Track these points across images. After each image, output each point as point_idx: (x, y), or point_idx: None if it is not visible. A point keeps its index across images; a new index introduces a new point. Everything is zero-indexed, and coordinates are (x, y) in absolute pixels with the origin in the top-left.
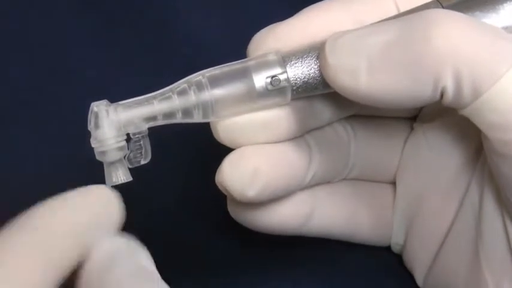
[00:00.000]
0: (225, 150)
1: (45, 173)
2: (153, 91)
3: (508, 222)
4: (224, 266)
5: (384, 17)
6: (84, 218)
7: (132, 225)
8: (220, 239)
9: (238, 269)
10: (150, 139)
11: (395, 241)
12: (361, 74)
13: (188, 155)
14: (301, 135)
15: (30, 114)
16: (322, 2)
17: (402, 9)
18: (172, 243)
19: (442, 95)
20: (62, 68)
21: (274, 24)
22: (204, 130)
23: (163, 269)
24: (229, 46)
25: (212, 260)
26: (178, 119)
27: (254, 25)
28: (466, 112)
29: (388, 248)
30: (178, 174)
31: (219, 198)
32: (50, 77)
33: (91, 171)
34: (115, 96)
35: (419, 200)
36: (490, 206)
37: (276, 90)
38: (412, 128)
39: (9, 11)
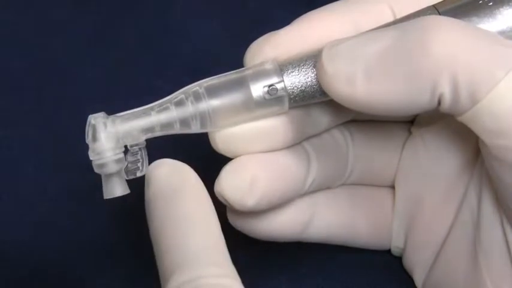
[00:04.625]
0: (224, 159)
1: (45, 173)
2: (153, 91)
3: (506, 225)
4: None
5: (381, 24)
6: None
7: (133, 226)
8: None
9: (238, 269)
10: (148, 149)
11: (395, 244)
12: (358, 82)
13: (187, 162)
14: (299, 142)
15: (30, 114)
16: (319, 9)
17: (398, 16)
18: None
19: (439, 102)
20: (61, 68)
21: (271, 33)
22: (202, 139)
23: None
24: (229, 46)
25: None
26: (176, 129)
27: (254, 25)
28: (463, 118)
29: (388, 251)
30: None
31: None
32: (50, 77)
33: (91, 171)
34: (115, 96)
35: (418, 204)
36: (489, 210)
37: (273, 99)
38: (409, 132)
39: (10, 11)
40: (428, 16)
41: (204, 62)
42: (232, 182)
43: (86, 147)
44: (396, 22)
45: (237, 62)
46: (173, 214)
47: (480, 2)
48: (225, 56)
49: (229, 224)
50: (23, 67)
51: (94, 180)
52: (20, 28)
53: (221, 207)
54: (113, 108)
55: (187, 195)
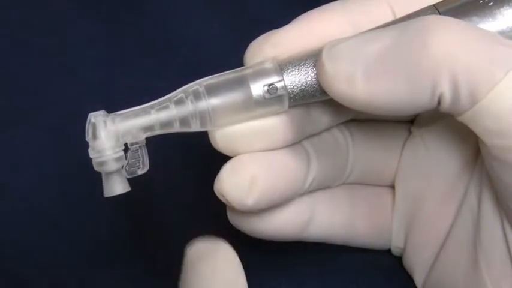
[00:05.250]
0: (224, 157)
1: (45, 173)
2: (153, 91)
3: (506, 226)
4: None
5: (381, 23)
6: None
7: (133, 226)
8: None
9: None
10: (149, 147)
11: (396, 244)
12: (358, 82)
13: (188, 161)
14: (299, 141)
15: (30, 115)
16: (319, 8)
17: (398, 16)
18: (172, 243)
19: (439, 102)
20: (61, 68)
21: (271, 32)
22: (202, 138)
23: (163, 267)
24: (229, 46)
25: None
26: (176, 128)
27: (254, 25)
28: (463, 118)
29: (388, 251)
30: (178, 178)
31: (219, 199)
32: (50, 77)
33: (91, 171)
34: (115, 96)
35: (418, 204)
36: (489, 210)
37: (273, 98)
38: (410, 132)
39: (10, 11)
40: (428, 16)
41: (204, 62)
42: (231, 181)
43: (86, 147)
44: (396, 22)
45: (237, 62)
46: None
47: (480, 1)
48: (225, 56)
49: (229, 223)
50: (23, 67)
51: (94, 180)
52: (20, 28)
53: (221, 207)
54: (113, 108)
55: None
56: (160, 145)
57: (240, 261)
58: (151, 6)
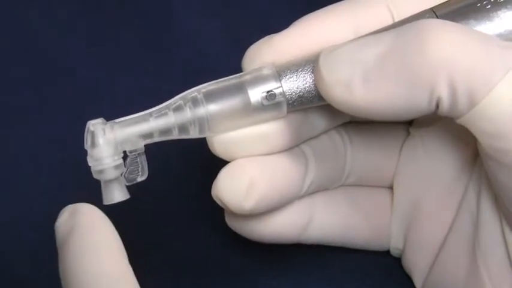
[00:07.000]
0: (223, 162)
1: (44, 173)
2: (153, 91)
3: (505, 228)
4: (224, 266)
5: (379, 28)
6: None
7: (133, 228)
8: (220, 239)
9: (238, 269)
10: (149, 152)
11: (395, 246)
12: (355, 88)
13: (186, 166)
14: (297, 145)
15: (30, 115)
16: (317, 12)
17: (397, 19)
18: (172, 243)
19: (437, 106)
20: (61, 68)
21: (269, 36)
22: (201, 142)
23: (164, 269)
24: (229, 46)
25: (212, 260)
26: (175, 135)
27: (253, 26)
28: (462, 121)
29: (388, 252)
30: (177, 183)
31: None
32: (50, 77)
33: (91, 172)
34: (115, 96)
35: (417, 205)
36: (488, 211)
37: (271, 104)
38: (408, 132)
39: (9, 11)
40: (425, 20)
41: (204, 63)
42: (229, 185)
43: (86, 150)
44: (395, 25)
45: (236, 63)
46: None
47: (478, 5)
48: (224, 56)
49: (227, 226)
50: (23, 67)
51: (94, 181)
52: (20, 28)
53: (220, 210)
54: (112, 108)
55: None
56: (159, 150)
57: (107, 218)
58: (151, 6)
